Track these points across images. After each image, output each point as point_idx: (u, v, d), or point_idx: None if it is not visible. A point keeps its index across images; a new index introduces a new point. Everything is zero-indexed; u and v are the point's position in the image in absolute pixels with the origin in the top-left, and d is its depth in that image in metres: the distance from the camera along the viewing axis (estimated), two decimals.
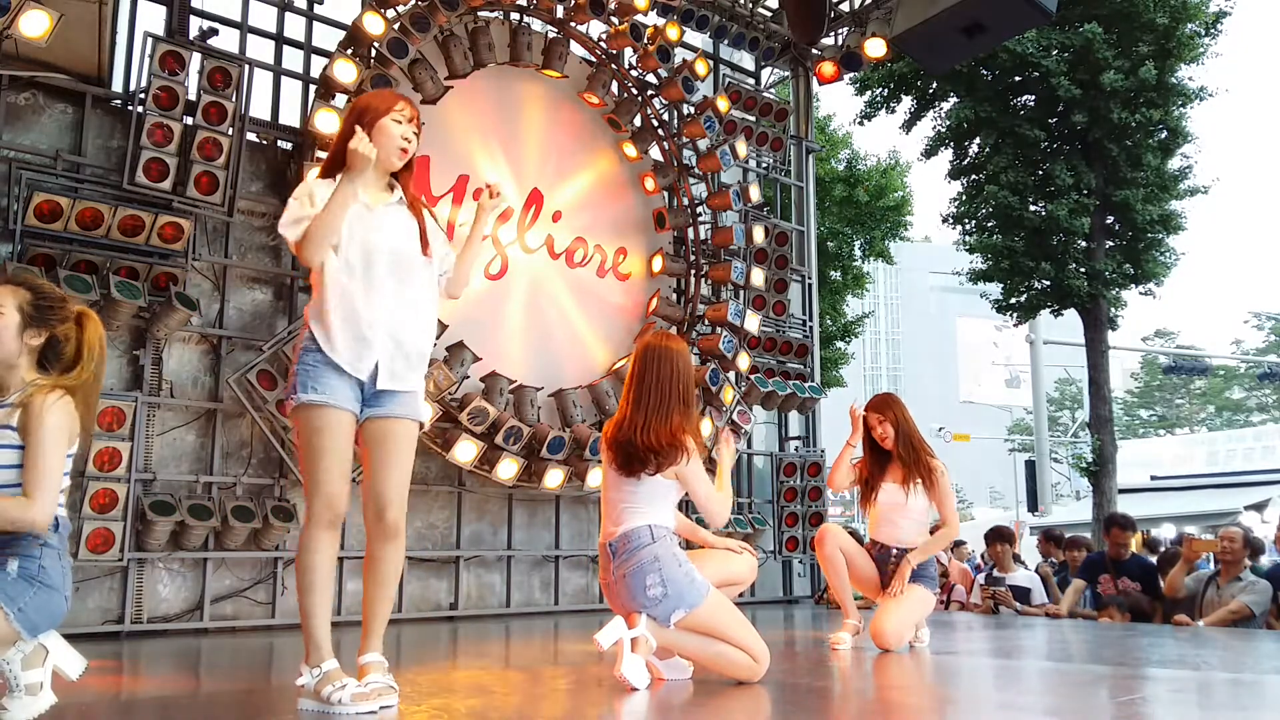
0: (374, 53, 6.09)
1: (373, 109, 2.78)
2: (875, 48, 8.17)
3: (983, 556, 9.25)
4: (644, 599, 3.06)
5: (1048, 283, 13.90)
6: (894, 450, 4.52)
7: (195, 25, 5.85)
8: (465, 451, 6.07)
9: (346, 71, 5.85)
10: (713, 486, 3.30)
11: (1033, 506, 22.44)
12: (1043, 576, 6.96)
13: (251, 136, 5.92)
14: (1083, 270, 13.62)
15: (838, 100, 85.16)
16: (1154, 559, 7.01)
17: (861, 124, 15.51)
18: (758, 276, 7.70)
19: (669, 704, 2.92)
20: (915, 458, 4.47)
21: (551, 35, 7.24)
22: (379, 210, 2.76)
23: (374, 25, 5.98)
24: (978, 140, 14.52)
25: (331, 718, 2.49)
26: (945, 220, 15.19)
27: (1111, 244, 13.99)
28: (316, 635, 2.59)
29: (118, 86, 5.63)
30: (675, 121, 7.81)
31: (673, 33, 7.45)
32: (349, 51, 6.04)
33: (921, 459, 4.48)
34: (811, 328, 8.64)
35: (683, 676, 3.23)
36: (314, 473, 2.62)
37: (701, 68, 7.60)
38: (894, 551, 4.50)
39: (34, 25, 4.59)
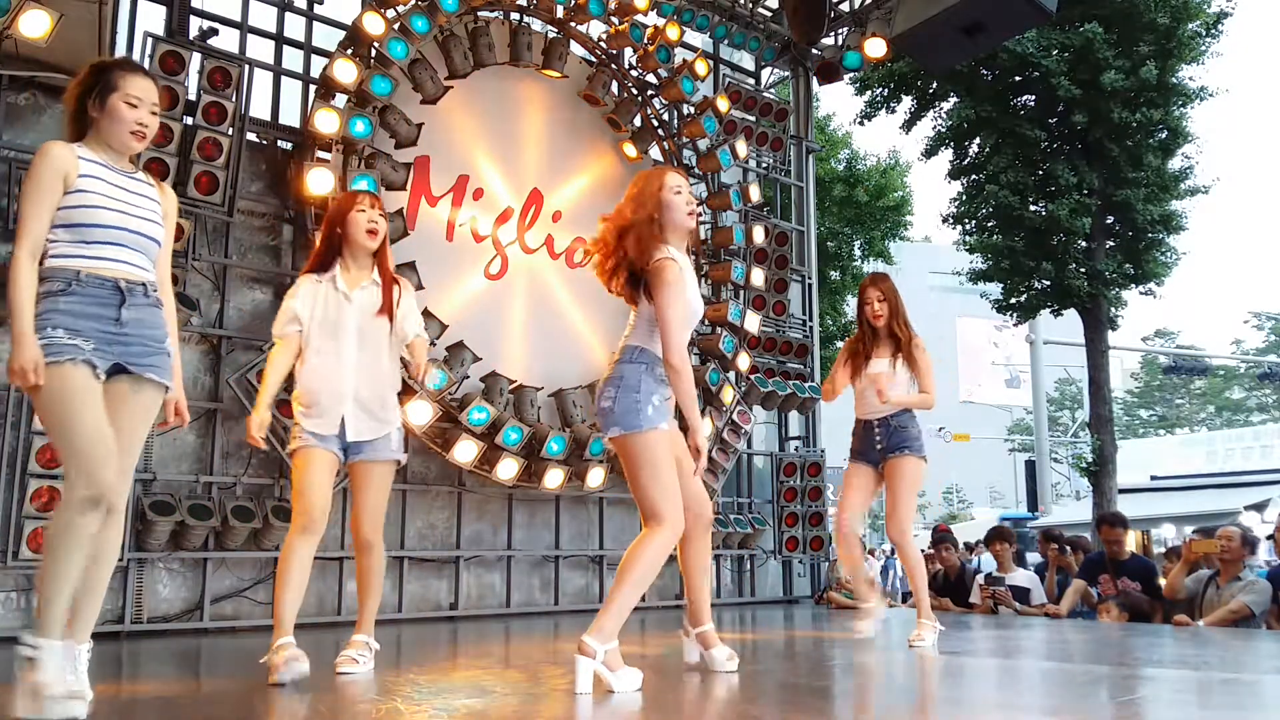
0: (374, 53, 6.09)
1: (339, 212, 3.51)
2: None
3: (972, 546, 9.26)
4: (598, 406, 3.12)
5: (1048, 283, 13.89)
6: (886, 327, 4.63)
7: (195, 25, 5.85)
8: (465, 451, 6.07)
9: (346, 71, 5.85)
10: (675, 322, 3.07)
11: (1033, 506, 22.44)
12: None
13: (251, 136, 5.92)
14: (1083, 270, 13.61)
15: (838, 100, 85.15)
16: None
17: (861, 124, 15.52)
18: (758, 276, 7.70)
19: (666, 704, 2.92)
20: (906, 334, 4.63)
21: (551, 35, 7.24)
22: (355, 294, 3.47)
23: (374, 25, 5.98)
24: (978, 140, 14.51)
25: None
26: (945, 220, 15.18)
27: (1112, 244, 13.98)
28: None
29: None
30: (675, 121, 7.81)
31: (673, 33, 7.45)
32: (349, 51, 6.04)
33: (909, 335, 4.64)
34: (811, 328, 8.64)
35: (631, 688, 2.94)
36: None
37: (701, 68, 7.60)
38: (876, 423, 4.62)
39: (34, 25, 4.59)
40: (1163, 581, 6.14)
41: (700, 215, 3.32)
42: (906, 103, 14.88)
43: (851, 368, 4.70)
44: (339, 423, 3.37)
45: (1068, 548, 7.03)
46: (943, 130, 14.65)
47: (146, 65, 5.28)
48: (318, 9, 6.37)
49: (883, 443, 4.64)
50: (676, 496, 3.05)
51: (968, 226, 14.89)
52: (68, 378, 2.48)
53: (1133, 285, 14.10)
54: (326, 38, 6.35)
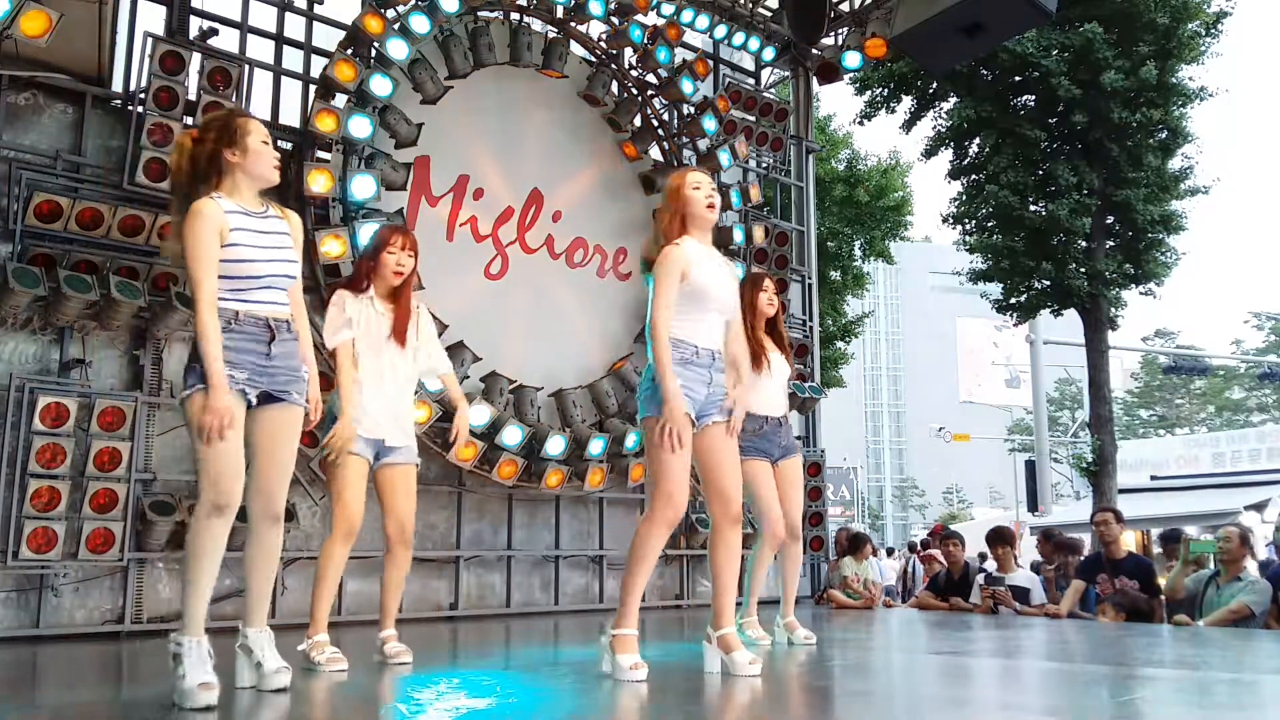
0: (374, 53, 6.10)
1: (378, 245, 3.79)
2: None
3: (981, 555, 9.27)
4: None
5: (1048, 283, 13.89)
6: (773, 320, 4.63)
7: (195, 25, 5.84)
8: (465, 451, 6.07)
9: (346, 71, 5.85)
10: (661, 300, 3.24)
11: (1033, 506, 22.43)
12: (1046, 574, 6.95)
13: None
14: (1083, 270, 13.60)
15: (838, 100, 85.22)
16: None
17: (861, 124, 15.51)
18: None
19: (668, 704, 2.92)
20: (783, 330, 4.72)
21: (551, 35, 7.24)
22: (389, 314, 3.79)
23: (374, 25, 5.98)
24: (978, 140, 14.50)
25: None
26: (945, 220, 15.17)
27: (1112, 244, 13.97)
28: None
29: (118, 86, 5.62)
30: (675, 121, 7.81)
31: (673, 33, 7.45)
32: (349, 51, 6.04)
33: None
34: (811, 328, 8.64)
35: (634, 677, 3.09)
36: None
37: (701, 68, 7.60)
38: (768, 420, 4.52)
39: (34, 25, 4.58)
40: (1162, 580, 6.14)
41: (718, 206, 3.45)
42: (906, 103, 14.87)
43: (756, 362, 4.52)
44: (378, 431, 3.68)
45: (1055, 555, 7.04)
46: (943, 130, 14.65)
47: (146, 65, 5.29)
48: (318, 9, 6.37)
49: (785, 440, 4.61)
50: (673, 482, 3.14)
51: (968, 226, 14.88)
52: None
53: (1133, 285, 14.08)
54: (326, 38, 6.35)
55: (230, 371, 2.80)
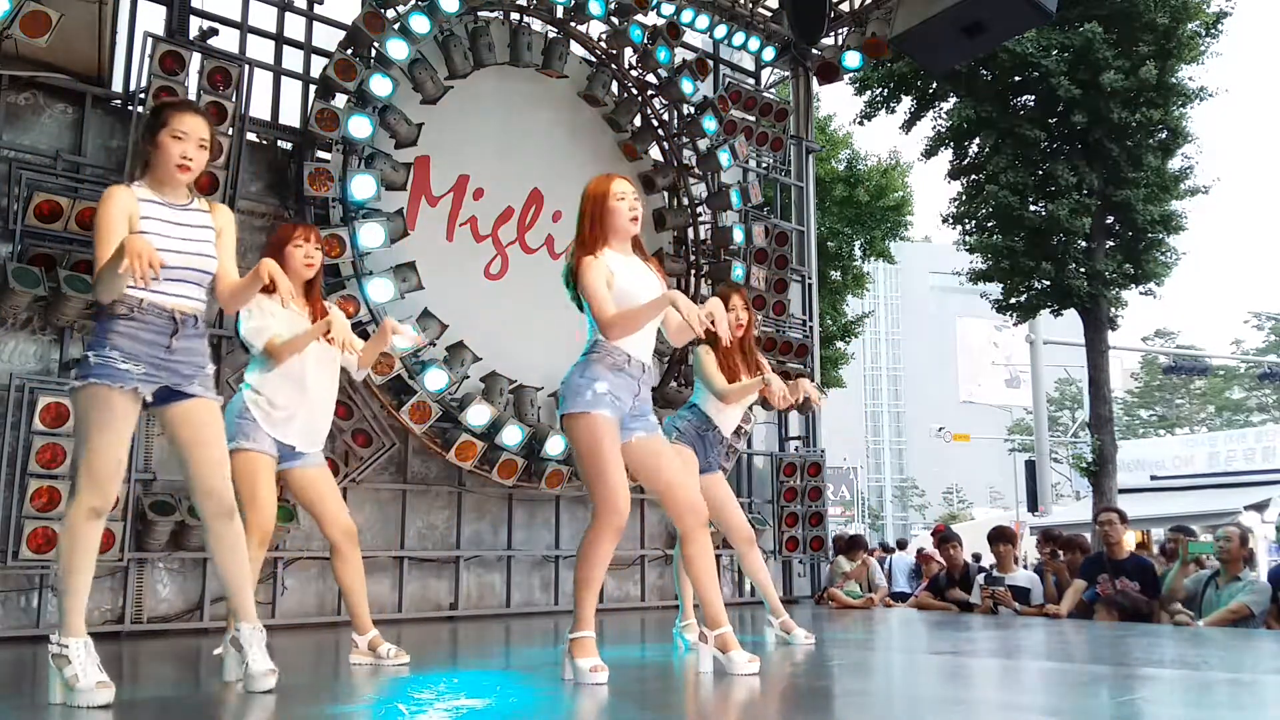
0: (374, 53, 6.10)
1: (278, 243, 3.74)
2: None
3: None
4: None
5: (1048, 283, 13.88)
6: (743, 339, 4.39)
7: (195, 25, 5.84)
8: (465, 451, 6.07)
9: (346, 71, 5.85)
10: (599, 303, 3.17)
11: (1033, 506, 22.43)
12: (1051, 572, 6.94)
13: (251, 136, 5.91)
14: (1083, 270, 13.60)
15: (838, 100, 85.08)
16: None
17: (861, 124, 15.49)
18: (757, 276, 7.70)
19: (666, 704, 2.92)
20: (751, 347, 4.48)
21: (551, 35, 7.24)
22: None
23: (374, 25, 5.98)
24: (978, 140, 14.50)
25: None
26: (945, 220, 15.17)
27: (1112, 244, 13.97)
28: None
29: (118, 86, 5.62)
30: (675, 121, 7.81)
31: (673, 33, 7.45)
32: (349, 51, 6.05)
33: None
34: (811, 328, 8.64)
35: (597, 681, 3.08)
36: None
37: (701, 68, 7.60)
38: (723, 440, 4.44)
39: (34, 25, 4.58)
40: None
41: (639, 213, 3.39)
42: (906, 103, 14.87)
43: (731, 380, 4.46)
44: (290, 437, 3.66)
45: (1059, 553, 7.03)
46: (942, 130, 14.64)
47: (146, 65, 5.29)
48: (318, 9, 6.38)
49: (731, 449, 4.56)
50: (610, 487, 3.11)
51: (968, 226, 14.87)
52: (109, 400, 2.72)
53: (1133, 285, 14.08)
54: (326, 38, 6.36)
55: (126, 365, 2.73)
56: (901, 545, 18.76)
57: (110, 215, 2.78)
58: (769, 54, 8.83)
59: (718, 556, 4.63)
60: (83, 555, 2.74)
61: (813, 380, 8.22)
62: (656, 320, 3.29)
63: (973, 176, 14.61)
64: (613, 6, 7.16)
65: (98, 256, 2.75)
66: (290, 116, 6.18)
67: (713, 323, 3.11)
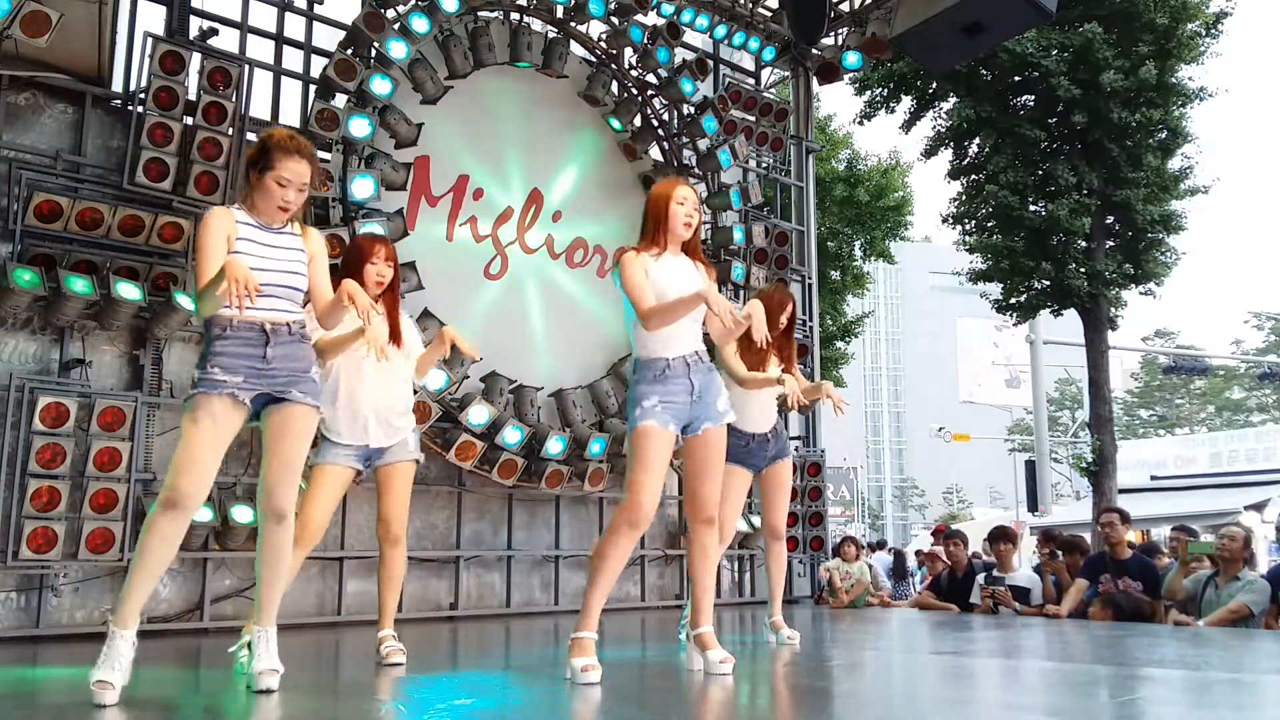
0: (374, 53, 6.10)
1: (359, 258, 3.80)
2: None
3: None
4: None
5: (1048, 283, 13.89)
6: (780, 336, 4.50)
7: (195, 25, 5.84)
8: (465, 451, 6.07)
9: (346, 71, 5.85)
10: (637, 295, 3.31)
11: (1033, 506, 22.42)
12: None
13: (251, 136, 5.89)
14: (1083, 270, 13.60)
15: (838, 100, 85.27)
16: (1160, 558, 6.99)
17: (861, 124, 15.51)
18: (758, 276, 7.70)
19: (666, 704, 2.92)
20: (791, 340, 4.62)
21: (551, 35, 7.24)
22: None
23: (374, 25, 5.98)
24: (978, 140, 14.51)
25: None
26: (945, 220, 15.18)
27: (1112, 244, 13.98)
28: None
29: (118, 86, 5.62)
30: (675, 121, 7.81)
31: (672, 33, 7.45)
32: (349, 51, 6.05)
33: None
34: (811, 328, 8.64)
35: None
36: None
37: (701, 68, 7.60)
38: (754, 437, 4.46)
39: (34, 25, 4.58)
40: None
41: (695, 221, 3.52)
42: (906, 103, 14.88)
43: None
44: (363, 437, 3.78)
45: (1059, 553, 7.02)
46: (942, 130, 14.65)
47: (146, 65, 5.29)
48: (318, 9, 6.37)
49: (775, 449, 4.57)
50: (644, 491, 3.21)
51: (968, 226, 14.89)
52: (207, 403, 2.87)
53: (1133, 285, 14.08)
54: (326, 38, 6.36)
55: (224, 375, 2.88)
56: (881, 545, 18.80)
57: (210, 236, 2.93)
58: (769, 54, 8.83)
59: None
60: (151, 546, 2.79)
61: (810, 380, 8.23)
62: (696, 317, 3.41)
63: (973, 176, 14.62)
64: (613, 6, 7.17)
65: (199, 275, 2.90)
66: (290, 116, 6.18)
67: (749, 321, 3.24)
